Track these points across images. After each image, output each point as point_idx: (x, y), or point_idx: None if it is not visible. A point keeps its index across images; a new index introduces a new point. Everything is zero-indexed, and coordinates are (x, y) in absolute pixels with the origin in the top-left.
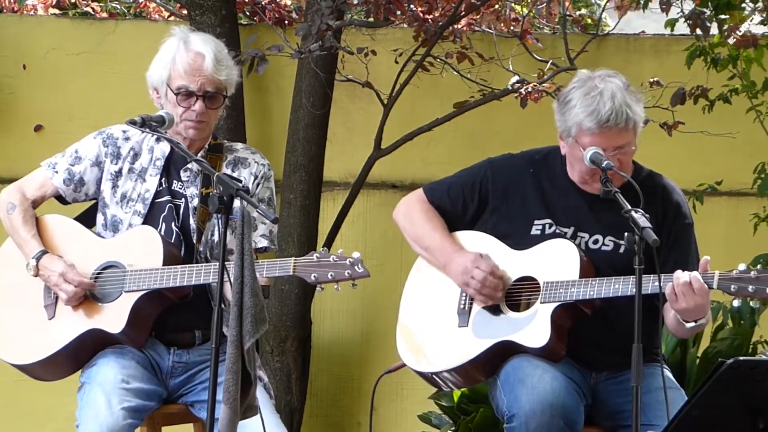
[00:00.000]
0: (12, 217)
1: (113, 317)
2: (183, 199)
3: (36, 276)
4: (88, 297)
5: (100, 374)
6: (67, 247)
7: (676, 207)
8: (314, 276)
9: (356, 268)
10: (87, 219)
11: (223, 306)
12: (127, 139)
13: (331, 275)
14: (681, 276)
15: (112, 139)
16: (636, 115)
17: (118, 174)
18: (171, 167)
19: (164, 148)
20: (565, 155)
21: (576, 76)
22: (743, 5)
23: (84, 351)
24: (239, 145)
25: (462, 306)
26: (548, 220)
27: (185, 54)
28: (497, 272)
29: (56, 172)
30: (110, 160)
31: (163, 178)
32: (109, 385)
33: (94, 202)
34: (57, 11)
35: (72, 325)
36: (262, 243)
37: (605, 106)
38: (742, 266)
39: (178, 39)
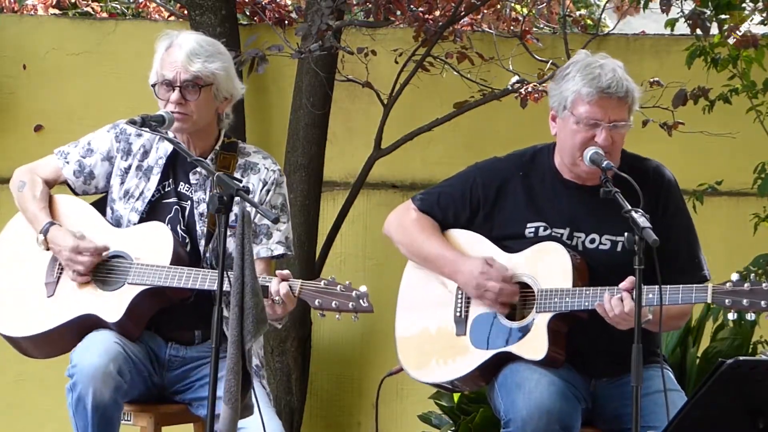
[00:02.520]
0: (23, 193)
1: (112, 306)
2: (189, 202)
3: (48, 250)
4: (92, 281)
5: (99, 330)
6: (79, 227)
7: (668, 191)
8: (318, 302)
9: (361, 301)
10: (99, 208)
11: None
12: (139, 135)
13: (335, 304)
14: (615, 307)
15: (125, 134)
16: (634, 92)
17: (127, 170)
18: (178, 168)
19: (168, 146)
20: (552, 148)
21: (574, 55)
22: (743, 5)
23: (76, 334)
24: (251, 149)
25: (458, 314)
26: (542, 224)
27: (166, 49)
28: (508, 277)
29: (67, 162)
30: (121, 156)
31: (170, 179)
32: (108, 334)
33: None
34: (57, 11)
35: (69, 306)
36: (279, 250)
37: (606, 74)
38: (735, 276)
39: (164, 39)
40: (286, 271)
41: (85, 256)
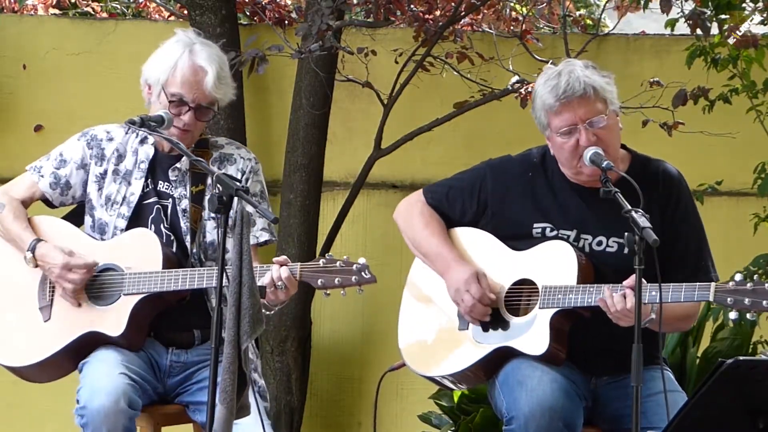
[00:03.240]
0: (2, 215)
1: (112, 320)
2: (170, 200)
3: (36, 267)
4: (85, 300)
5: (100, 354)
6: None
7: (678, 191)
8: (321, 281)
9: (363, 273)
10: (74, 218)
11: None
12: (111, 139)
13: (338, 281)
14: (618, 303)
15: (96, 140)
16: (596, 83)
17: (103, 176)
18: (157, 168)
19: (148, 150)
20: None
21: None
22: (743, 5)
23: (80, 354)
24: (223, 140)
25: None
26: (548, 225)
27: (188, 65)
28: (486, 299)
29: (42, 176)
30: (95, 162)
31: (149, 180)
32: (111, 361)
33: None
34: (57, 11)
35: (68, 328)
36: (264, 236)
37: (561, 80)
38: (738, 276)
39: (183, 46)
40: (283, 257)
41: (76, 274)
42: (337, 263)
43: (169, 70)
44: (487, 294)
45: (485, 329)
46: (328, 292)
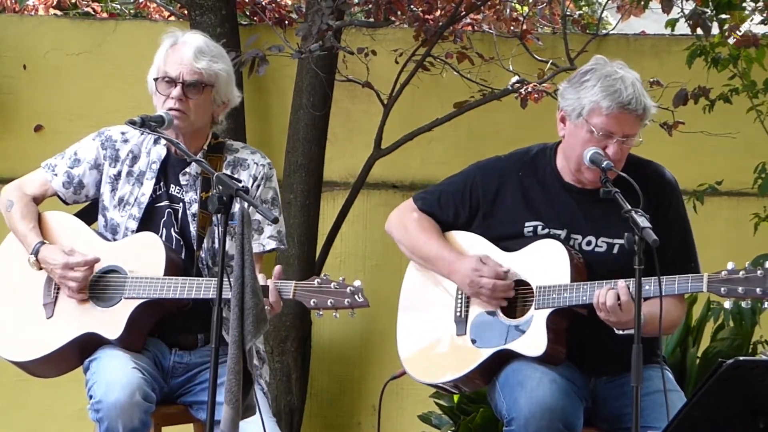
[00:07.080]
0: (11, 213)
1: (111, 323)
2: (181, 204)
3: (40, 269)
4: (88, 299)
5: (108, 350)
6: (70, 244)
7: (670, 194)
8: (313, 302)
9: (356, 297)
10: (88, 215)
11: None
12: (126, 141)
13: (331, 302)
14: (609, 299)
15: (111, 141)
16: (651, 109)
17: (117, 177)
18: (168, 171)
19: (160, 151)
20: (555, 149)
21: (593, 60)
22: (744, 5)
23: (80, 352)
24: (239, 145)
25: (459, 314)
26: (539, 223)
27: (170, 47)
28: (502, 273)
29: (55, 174)
30: (109, 163)
31: (161, 182)
32: (121, 356)
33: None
34: (57, 11)
35: (69, 326)
36: (271, 245)
37: (626, 90)
38: (730, 265)
39: (170, 37)
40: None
41: (77, 272)
42: (332, 284)
43: (158, 61)
44: (498, 268)
45: (492, 319)
46: (320, 312)
